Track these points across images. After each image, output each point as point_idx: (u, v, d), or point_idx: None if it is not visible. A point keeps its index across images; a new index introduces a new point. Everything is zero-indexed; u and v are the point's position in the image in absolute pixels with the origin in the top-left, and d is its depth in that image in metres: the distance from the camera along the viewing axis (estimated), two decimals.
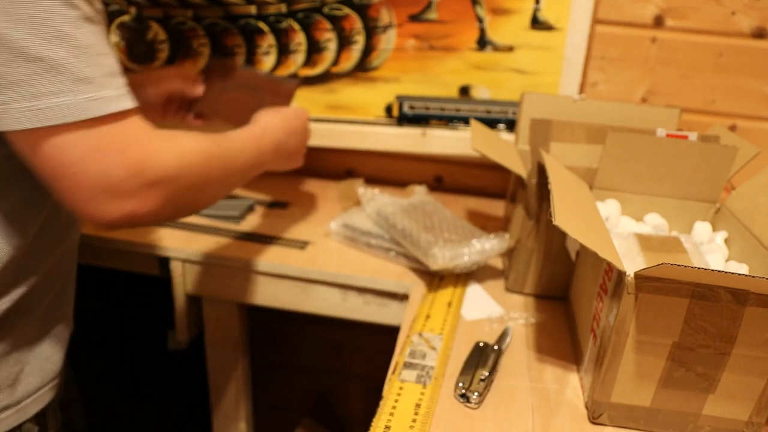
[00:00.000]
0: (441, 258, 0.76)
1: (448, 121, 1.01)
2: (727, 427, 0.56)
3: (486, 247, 0.78)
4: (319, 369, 1.31)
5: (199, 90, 0.86)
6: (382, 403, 0.59)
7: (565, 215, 0.53)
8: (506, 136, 0.99)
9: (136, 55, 1.04)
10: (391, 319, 0.85)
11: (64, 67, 0.44)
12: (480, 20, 0.95)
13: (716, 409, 0.55)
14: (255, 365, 1.06)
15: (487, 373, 0.62)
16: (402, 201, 0.90)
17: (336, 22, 0.98)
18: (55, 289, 0.60)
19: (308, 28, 0.99)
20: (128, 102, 0.49)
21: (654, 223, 0.70)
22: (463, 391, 0.60)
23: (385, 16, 0.97)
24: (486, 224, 0.94)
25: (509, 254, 0.80)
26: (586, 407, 0.60)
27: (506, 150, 0.81)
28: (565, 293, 0.78)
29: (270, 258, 0.84)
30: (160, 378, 1.24)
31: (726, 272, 0.48)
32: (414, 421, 0.56)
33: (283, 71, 1.03)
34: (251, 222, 0.95)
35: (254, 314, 1.02)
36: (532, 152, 0.75)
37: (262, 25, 1.00)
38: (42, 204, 0.55)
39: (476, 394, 0.59)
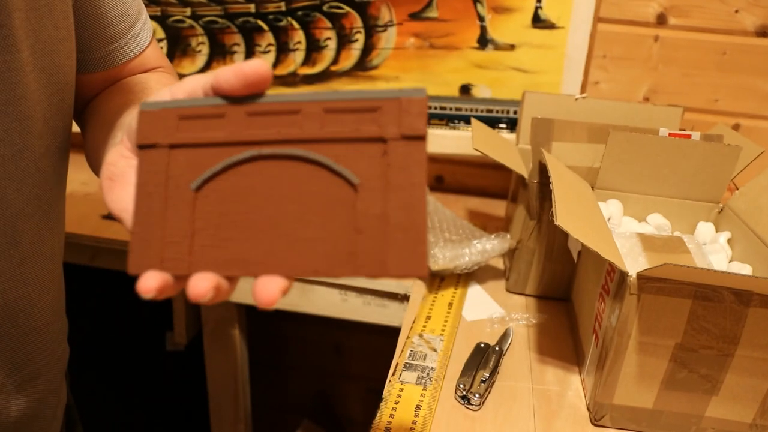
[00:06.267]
0: (441, 258, 0.76)
1: (449, 120, 1.00)
2: (730, 429, 0.55)
3: (487, 248, 0.77)
4: (318, 370, 1.30)
5: None
6: (382, 404, 0.59)
7: (566, 215, 0.53)
8: (507, 135, 0.99)
9: None
10: (391, 319, 0.84)
11: None
12: (481, 19, 0.95)
13: (719, 410, 0.55)
14: (254, 366, 1.06)
15: (488, 375, 0.62)
16: None
17: (336, 20, 0.98)
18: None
19: (307, 27, 0.99)
20: None
21: (656, 223, 0.70)
22: (464, 392, 0.59)
23: (385, 15, 0.97)
24: (487, 224, 0.94)
25: (510, 254, 0.80)
26: (588, 409, 0.59)
27: (507, 149, 0.80)
28: (566, 294, 0.77)
29: None
30: (158, 379, 1.24)
31: (729, 273, 0.48)
32: (414, 422, 0.56)
33: (282, 70, 1.03)
34: None
35: (253, 315, 1.02)
36: (534, 152, 0.75)
37: (261, 23, 1.00)
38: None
39: (477, 395, 0.59)
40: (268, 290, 0.30)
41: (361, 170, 0.31)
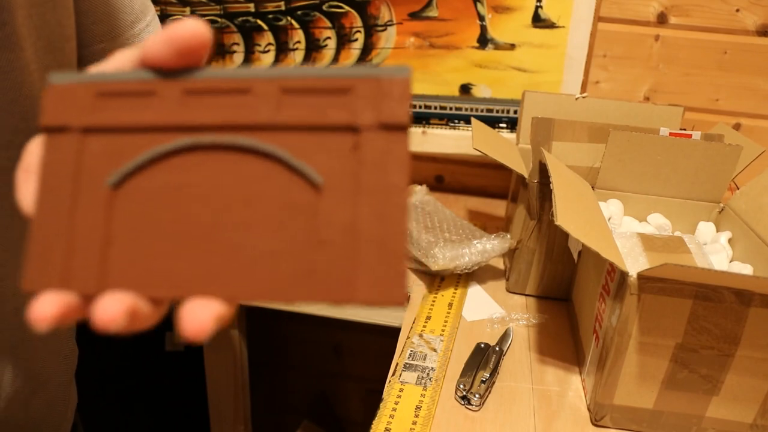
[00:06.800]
0: (442, 258, 0.76)
1: (449, 119, 1.00)
2: (731, 429, 0.55)
3: (487, 248, 0.77)
4: (318, 370, 1.30)
5: None
6: (382, 405, 0.58)
7: (567, 215, 0.53)
8: (507, 135, 0.99)
9: None
10: (391, 320, 0.84)
11: None
12: (481, 18, 0.94)
13: (720, 411, 0.55)
14: (253, 366, 1.06)
15: (488, 375, 0.61)
16: None
17: (335, 19, 0.98)
18: None
19: (307, 26, 0.99)
20: None
21: (657, 223, 0.70)
22: (464, 392, 0.59)
23: (385, 14, 0.96)
24: (487, 224, 0.94)
25: (510, 254, 0.80)
26: (589, 409, 0.59)
27: (507, 149, 0.80)
28: (566, 294, 0.77)
29: None
30: (157, 379, 1.24)
31: (730, 273, 0.48)
32: (414, 423, 0.56)
33: None
34: None
35: (253, 315, 1.02)
36: (534, 151, 0.74)
37: (260, 22, 1.00)
38: None
39: (477, 396, 0.59)
40: (197, 317, 0.23)
41: (325, 167, 0.25)
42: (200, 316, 0.23)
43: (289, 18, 0.99)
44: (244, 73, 0.26)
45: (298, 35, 1.00)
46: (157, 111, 0.26)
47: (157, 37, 0.25)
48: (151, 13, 0.52)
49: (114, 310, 0.23)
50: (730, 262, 0.64)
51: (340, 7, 0.97)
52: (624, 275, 0.52)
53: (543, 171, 0.71)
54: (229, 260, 0.25)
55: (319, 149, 0.25)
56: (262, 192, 0.25)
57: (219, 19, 1.00)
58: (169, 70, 0.26)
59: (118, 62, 0.27)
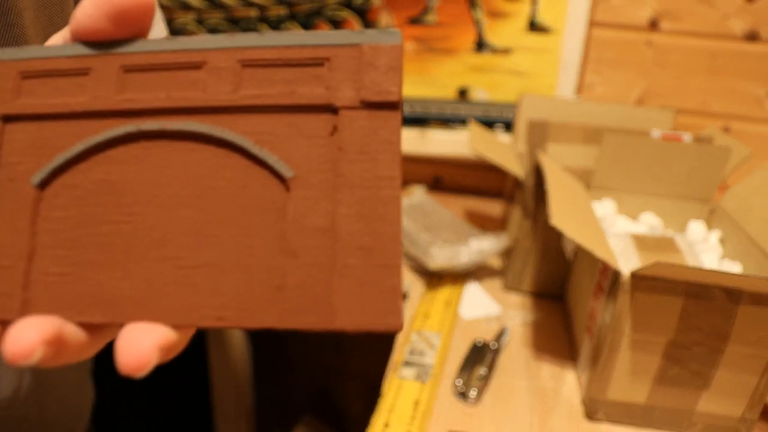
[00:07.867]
0: (440, 257, 0.77)
1: (447, 122, 1.01)
2: (720, 423, 0.56)
3: (484, 247, 0.78)
4: (319, 367, 1.31)
5: None
6: (381, 400, 0.59)
7: (561, 215, 0.54)
8: (504, 137, 1.00)
9: None
10: None
11: None
12: (478, 23, 0.96)
13: (710, 405, 0.56)
14: (256, 363, 1.06)
15: (485, 371, 0.63)
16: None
17: (336, 25, 0.99)
18: None
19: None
20: None
21: (649, 223, 0.71)
22: (462, 388, 0.61)
23: (384, 19, 0.98)
24: (484, 224, 0.95)
25: (507, 254, 0.81)
26: (583, 404, 0.60)
27: (504, 151, 0.81)
28: (561, 292, 0.79)
29: None
30: (161, 375, 1.24)
31: (720, 271, 0.49)
32: (413, 418, 0.57)
33: None
34: None
35: None
36: (530, 153, 0.76)
37: (262, 27, 1.01)
38: None
39: (474, 391, 0.60)
40: (136, 346, 0.18)
41: (297, 156, 0.20)
42: (140, 345, 0.18)
43: (290, 23, 1.00)
44: (196, 43, 0.21)
45: None
46: (92, 93, 0.21)
47: (86, 1, 0.20)
48: (157, 15, 0.51)
49: (28, 339, 0.18)
50: (720, 260, 0.65)
51: (341, 13, 0.98)
52: (617, 274, 0.53)
53: (538, 172, 0.72)
54: (179, 275, 0.20)
55: (288, 135, 0.20)
56: (219, 189, 0.20)
57: (223, 24, 1.01)
58: (106, 43, 0.21)
59: (54, 42, 0.23)
